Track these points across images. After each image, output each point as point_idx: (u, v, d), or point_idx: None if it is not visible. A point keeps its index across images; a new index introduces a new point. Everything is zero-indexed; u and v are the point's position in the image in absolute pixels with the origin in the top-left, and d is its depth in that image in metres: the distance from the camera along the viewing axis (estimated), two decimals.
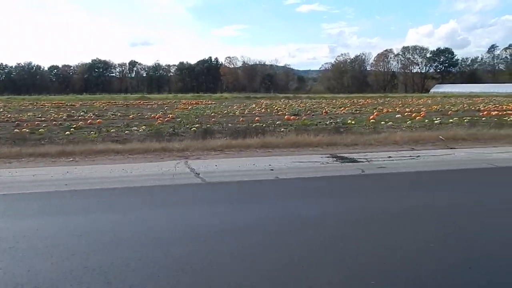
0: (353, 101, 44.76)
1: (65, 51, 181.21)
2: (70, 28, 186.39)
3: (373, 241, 3.94)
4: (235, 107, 32.85)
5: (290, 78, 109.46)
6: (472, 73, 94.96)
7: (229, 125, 16.36)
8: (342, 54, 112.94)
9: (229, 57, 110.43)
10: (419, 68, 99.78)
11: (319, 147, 10.26)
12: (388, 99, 53.41)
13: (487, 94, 69.89)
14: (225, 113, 25.57)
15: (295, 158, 8.75)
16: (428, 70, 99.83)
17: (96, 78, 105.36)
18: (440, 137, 11.33)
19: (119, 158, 8.89)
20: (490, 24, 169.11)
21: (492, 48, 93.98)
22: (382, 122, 17.44)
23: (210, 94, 72.31)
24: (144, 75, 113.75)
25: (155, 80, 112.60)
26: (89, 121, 20.08)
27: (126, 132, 14.83)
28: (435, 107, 31.16)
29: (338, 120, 19.00)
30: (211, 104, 39.97)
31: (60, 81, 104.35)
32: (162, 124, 18.16)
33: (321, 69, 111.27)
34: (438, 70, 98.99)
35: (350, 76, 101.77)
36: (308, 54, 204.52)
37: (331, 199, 5.72)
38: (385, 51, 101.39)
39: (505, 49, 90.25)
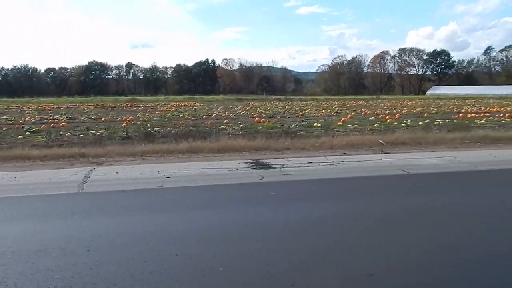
0: (343, 103, 44.55)
1: (62, 53, 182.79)
2: (68, 30, 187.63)
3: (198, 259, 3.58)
4: (219, 109, 32.71)
5: (287, 80, 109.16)
6: (468, 75, 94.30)
7: (171, 128, 16.12)
8: (339, 56, 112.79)
9: (225, 59, 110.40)
10: (416, 70, 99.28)
11: (247, 152, 9.92)
12: (379, 101, 53.08)
13: (483, 96, 69.44)
14: (201, 116, 25.42)
15: (210, 164, 8.41)
16: (425, 72, 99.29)
17: (92, 80, 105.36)
18: (380, 141, 10.95)
19: (28, 165, 8.59)
20: (490, 26, 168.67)
21: (488, 49, 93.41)
22: (349, 125, 17.10)
23: (201, 96, 72.17)
24: (141, 77, 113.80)
25: (152, 82, 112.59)
26: (52, 124, 19.87)
27: (80, 135, 14.61)
28: (419, 109, 30.78)
29: (303, 123, 18.67)
30: (198, 106, 39.78)
31: (57, 83, 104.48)
32: (128, 127, 17.88)
33: (317, 71, 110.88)
34: (435, 72, 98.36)
35: (346, 78, 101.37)
36: (308, 56, 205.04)
37: (196, 212, 5.35)
38: (381, 52, 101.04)
39: (501, 51, 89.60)
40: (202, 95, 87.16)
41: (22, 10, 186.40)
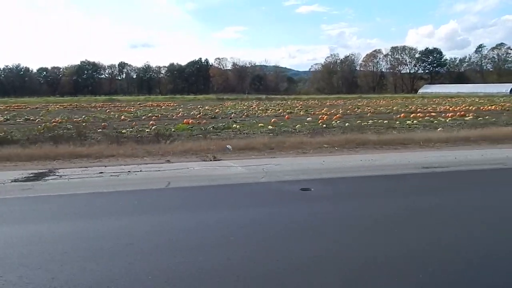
0: (320, 102, 44.03)
1: (62, 53, 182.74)
2: (68, 30, 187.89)
3: None
4: (184, 109, 32.37)
5: (280, 79, 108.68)
6: (460, 73, 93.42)
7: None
8: (332, 54, 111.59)
9: (218, 58, 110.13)
10: (409, 68, 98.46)
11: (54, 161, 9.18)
12: (360, 99, 52.54)
13: (474, 95, 68.74)
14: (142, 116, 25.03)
15: None
16: (417, 70, 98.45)
17: (85, 80, 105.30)
18: (228, 146, 10.36)
19: None
20: (490, 24, 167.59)
21: (480, 48, 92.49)
22: (270, 126, 16.66)
23: (183, 96, 71.93)
24: (134, 76, 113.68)
25: (146, 82, 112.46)
26: None
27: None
28: (382, 108, 30.31)
29: (220, 125, 17.86)
30: (171, 106, 39.33)
31: (49, 83, 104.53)
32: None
33: (311, 69, 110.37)
34: (427, 71, 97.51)
35: (339, 77, 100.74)
36: (308, 55, 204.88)
37: None
38: (374, 51, 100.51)
39: (493, 49, 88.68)
40: (196, 94, 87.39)
41: (14, 10, 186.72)
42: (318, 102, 46.65)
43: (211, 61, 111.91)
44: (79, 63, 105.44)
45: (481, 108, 28.93)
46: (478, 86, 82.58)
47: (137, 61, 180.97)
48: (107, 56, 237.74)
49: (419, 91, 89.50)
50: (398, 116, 21.98)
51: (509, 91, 77.03)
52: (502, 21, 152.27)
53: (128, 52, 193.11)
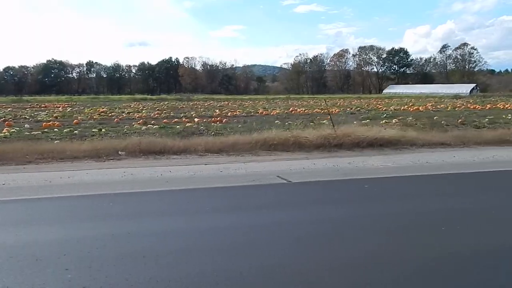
0: (249, 103, 42.08)
1: (63, 50, 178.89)
2: (63, 28, 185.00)
3: None
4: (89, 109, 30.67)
5: (249, 79, 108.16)
6: (425, 73, 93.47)
7: None
8: (300, 54, 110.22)
9: (187, 57, 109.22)
10: (376, 68, 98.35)
11: None
12: (303, 99, 51.95)
13: (434, 95, 68.95)
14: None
15: None
16: (385, 70, 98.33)
17: (52, 79, 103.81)
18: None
19: None
20: (487, 25, 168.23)
21: (444, 48, 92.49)
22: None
23: (107, 96, 69.79)
24: (104, 76, 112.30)
25: (115, 81, 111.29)
26: None
27: None
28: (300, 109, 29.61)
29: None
30: (58, 107, 36.72)
31: (16, 82, 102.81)
32: None
33: (280, 69, 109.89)
34: (393, 71, 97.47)
35: (307, 77, 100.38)
36: (306, 55, 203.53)
37: None
38: (341, 50, 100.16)
39: (456, 49, 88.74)
40: (166, 94, 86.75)
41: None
42: (252, 103, 43.85)
43: (181, 60, 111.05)
44: (45, 61, 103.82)
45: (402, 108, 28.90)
46: (439, 87, 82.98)
47: (135, 59, 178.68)
48: (103, 54, 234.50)
49: (384, 91, 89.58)
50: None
51: (469, 91, 77.29)
52: (499, 22, 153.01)
53: (125, 51, 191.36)
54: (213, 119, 20.29)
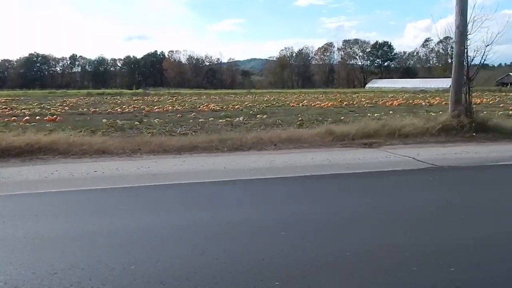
0: (222, 97, 41.06)
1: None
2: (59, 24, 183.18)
3: None
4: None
5: (234, 73, 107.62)
6: (407, 67, 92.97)
7: None
8: (285, 47, 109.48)
9: (172, 51, 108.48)
10: (361, 62, 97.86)
11: None
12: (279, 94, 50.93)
13: (415, 90, 68.62)
14: None
15: None
16: (369, 64, 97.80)
17: (34, 73, 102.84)
18: None
19: None
20: (488, 18, 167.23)
21: (427, 41, 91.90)
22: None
23: (64, 91, 67.61)
24: (89, 69, 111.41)
25: (100, 75, 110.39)
26: None
27: None
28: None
29: None
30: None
31: None
32: None
33: (265, 63, 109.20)
34: (376, 64, 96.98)
35: (291, 71, 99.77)
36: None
37: None
38: (325, 44, 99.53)
39: (438, 43, 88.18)
40: (152, 87, 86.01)
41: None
42: (218, 97, 42.18)
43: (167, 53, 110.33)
44: (27, 55, 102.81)
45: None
46: (421, 81, 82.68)
47: (134, 53, 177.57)
48: (103, 48, 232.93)
49: (366, 85, 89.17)
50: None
51: (449, 86, 76.89)
52: (501, 16, 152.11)
53: (124, 44, 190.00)
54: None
